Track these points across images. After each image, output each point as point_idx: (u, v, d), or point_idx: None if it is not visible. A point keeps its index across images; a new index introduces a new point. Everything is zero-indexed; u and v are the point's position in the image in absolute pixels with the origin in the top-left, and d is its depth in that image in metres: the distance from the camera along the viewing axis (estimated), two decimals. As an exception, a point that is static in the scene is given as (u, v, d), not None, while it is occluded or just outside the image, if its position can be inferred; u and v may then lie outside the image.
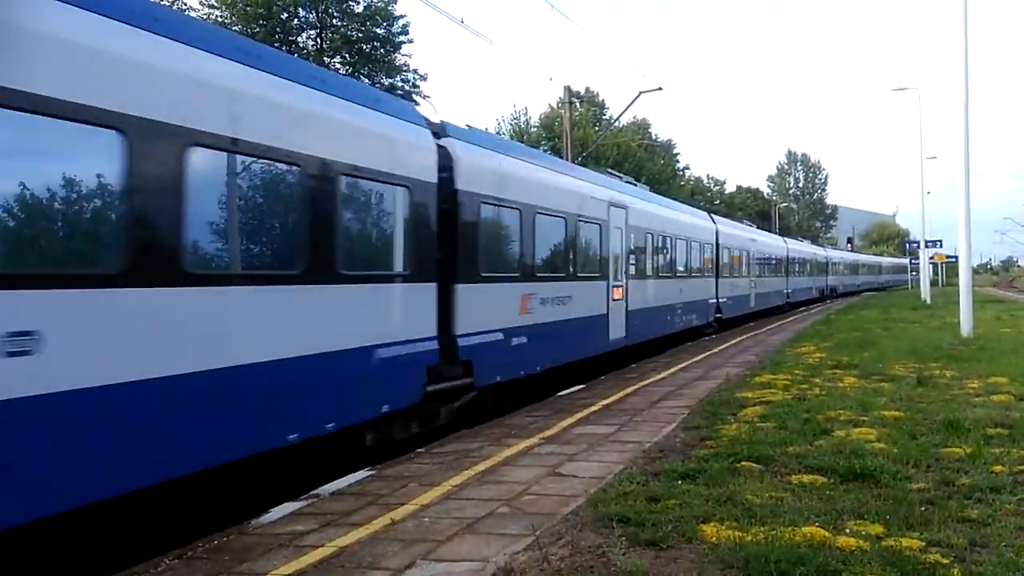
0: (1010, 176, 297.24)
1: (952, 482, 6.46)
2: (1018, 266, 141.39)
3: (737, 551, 4.91)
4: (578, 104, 47.30)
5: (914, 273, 70.62)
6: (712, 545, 5.11)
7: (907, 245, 67.83)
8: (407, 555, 5.28)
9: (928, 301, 41.20)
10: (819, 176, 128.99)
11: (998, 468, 6.79)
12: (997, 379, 11.86)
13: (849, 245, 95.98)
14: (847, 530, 5.33)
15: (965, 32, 18.82)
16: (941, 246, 46.94)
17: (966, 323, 19.17)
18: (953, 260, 43.76)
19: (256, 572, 5.11)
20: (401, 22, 39.96)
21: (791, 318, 33.45)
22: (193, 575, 5.15)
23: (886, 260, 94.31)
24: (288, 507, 6.58)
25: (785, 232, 63.18)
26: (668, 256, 20.35)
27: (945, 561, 4.72)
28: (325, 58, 38.05)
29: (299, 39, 38.48)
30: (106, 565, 5.71)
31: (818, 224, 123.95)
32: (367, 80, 39.26)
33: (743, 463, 7.14)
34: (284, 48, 37.44)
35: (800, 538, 5.09)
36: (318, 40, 38.80)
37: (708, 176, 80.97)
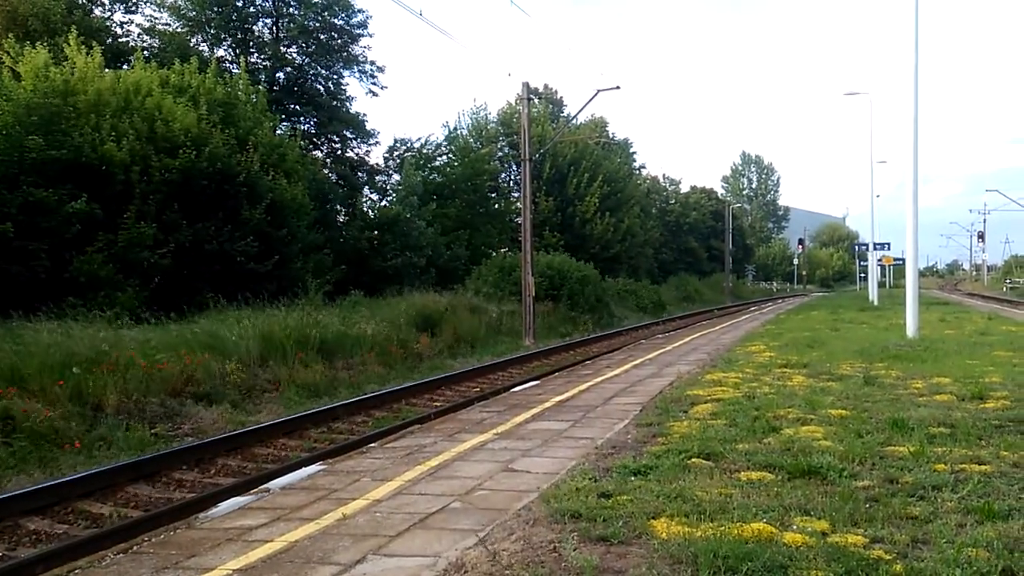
0: (960, 180, 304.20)
1: (896, 480, 6.58)
2: (963, 269, 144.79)
3: (687, 546, 4.96)
4: (536, 101, 47.34)
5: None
6: (662, 540, 5.15)
7: (856, 247, 69.03)
8: (358, 550, 5.24)
9: (876, 303, 42.09)
10: (772, 178, 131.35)
11: (940, 466, 6.93)
12: (941, 379, 12.10)
13: (800, 246, 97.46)
14: (794, 526, 5.40)
15: (916, 37, 19.20)
16: (889, 249, 47.82)
17: (912, 325, 19.61)
18: (900, 263, 44.72)
19: (204, 567, 5.04)
20: (360, 16, 39.60)
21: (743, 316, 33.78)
22: (139, 569, 5.05)
23: None
24: (237, 501, 6.50)
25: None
26: None
27: (888, 557, 4.81)
28: (281, 47, 37.56)
29: (255, 27, 37.90)
30: (46, 559, 5.59)
31: (770, 225, 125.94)
32: (324, 70, 38.83)
33: (693, 460, 7.21)
34: (240, 36, 36.91)
35: (748, 534, 5.15)
36: (274, 28, 38.26)
37: (664, 176, 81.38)
